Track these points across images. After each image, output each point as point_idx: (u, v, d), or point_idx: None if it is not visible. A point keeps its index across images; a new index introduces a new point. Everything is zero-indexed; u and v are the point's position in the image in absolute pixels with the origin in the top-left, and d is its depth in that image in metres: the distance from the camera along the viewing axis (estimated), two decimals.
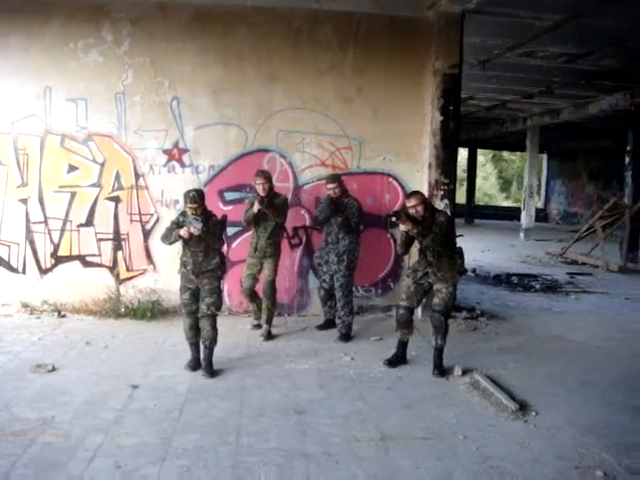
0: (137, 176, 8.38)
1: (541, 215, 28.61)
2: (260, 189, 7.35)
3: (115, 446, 4.52)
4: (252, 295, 7.84)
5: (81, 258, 8.44)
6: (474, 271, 12.58)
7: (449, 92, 8.36)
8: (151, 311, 8.17)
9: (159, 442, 4.64)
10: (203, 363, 6.30)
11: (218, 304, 6.38)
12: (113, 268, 8.47)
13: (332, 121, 8.49)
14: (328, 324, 8.00)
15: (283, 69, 8.40)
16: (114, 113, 8.27)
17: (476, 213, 27.50)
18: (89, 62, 8.18)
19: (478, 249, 16.63)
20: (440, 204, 8.29)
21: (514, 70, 13.02)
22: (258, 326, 7.87)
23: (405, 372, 6.50)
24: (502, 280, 12.11)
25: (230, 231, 8.17)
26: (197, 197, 6.16)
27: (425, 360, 6.70)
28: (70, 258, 8.44)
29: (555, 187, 29.79)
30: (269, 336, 7.60)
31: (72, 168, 8.33)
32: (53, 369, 6.12)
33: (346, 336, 7.63)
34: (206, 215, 6.29)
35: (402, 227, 6.21)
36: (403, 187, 8.60)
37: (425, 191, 8.20)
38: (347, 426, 5.05)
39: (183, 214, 6.32)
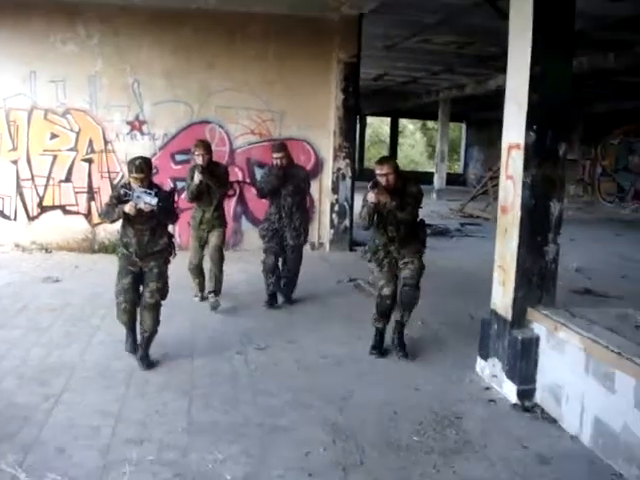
0: (106, 142, 10.95)
1: (460, 180, 31.79)
2: (200, 160, 7.32)
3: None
4: (201, 270, 7.91)
5: (62, 207, 10.99)
6: None
7: (349, 76, 11.15)
8: None
9: None
10: (140, 351, 5.70)
11: (165, 291, 5.78)
12: (88, 215, 11.02)
13: (258, 99, 11.16)
14: (273, 298, 7.90)
15: (220, 58, 11.01)
16: (87, 92, 10.81)
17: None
18: (67, 51, 10.67)
19: None
20: (342, 163, 11.09)
21: (416, 53, 15.81)
22: (204, 298, 7.92)
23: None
24: None
25: (180, 185, 10.70)
26: (144, 166, 5.57)
27: None
28: (53, 207, 10.98)
29: (473, 153, 32.99)
30: (217, 305, 7.57)
31: (54, 136, 10.86)
32: (57, 280, 8.72)
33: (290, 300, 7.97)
34: (155, 188, 5.69)
35: (374, 198, 5.70)
36: (314, 150, 11.36)
37: (331, 153, 10.98)
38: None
39: (125, 186, 5.67)
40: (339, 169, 11.23)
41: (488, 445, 4.39)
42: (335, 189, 11.40)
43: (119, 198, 5.60)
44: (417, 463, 4.11)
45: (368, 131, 36.95)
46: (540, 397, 5.02)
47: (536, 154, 5.00)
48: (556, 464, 4.20)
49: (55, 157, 10.86)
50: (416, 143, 43.92)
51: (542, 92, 5.01)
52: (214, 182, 7.39)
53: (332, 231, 11.51)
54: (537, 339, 5.05)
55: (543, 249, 5.09)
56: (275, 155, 7.62)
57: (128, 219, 5.60)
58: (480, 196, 20.39)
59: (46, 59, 10.63)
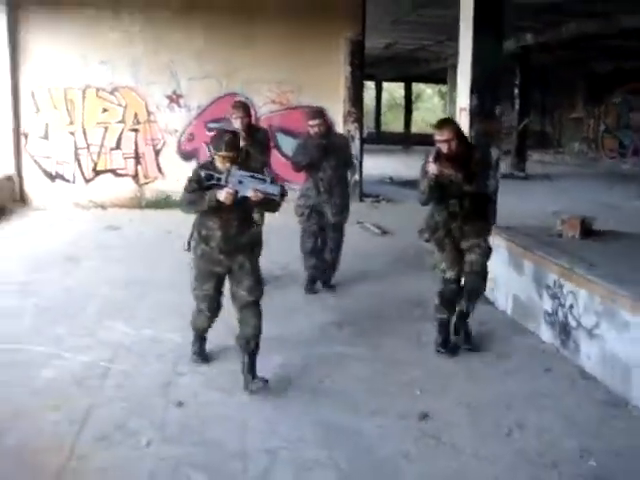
0: (149, 114, 13.02)
1: None
2: (238, 123, 6.71)
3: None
4: None
5: (113, 171, 13.11)
6: (391, 178, 17.50)
7: (355, 52, 13.09)
8: (163, 203, 12.85)
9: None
10: (246, 369, 4.84)
11: (262, 288, 4.98)
12: (135, 176, 13.14)
13: (279, 72, 13.09)
14: (313, 283, 7.40)
15: (243, 39, 12.93)
16: (131, 72, 12.84)
17: (413, 141, 32.34)
18: (114, 37, 12.69)
19: (405, 166, 21.42)
20: (351, 126, 13.06)
21: (419, 25, 17.64)
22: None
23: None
24: (407, 183, 16.94)
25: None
26: (235, 141, 4.82)
27: None
28: (105, 171, 13.11)
29: None
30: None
31: (104, 110, 12.95)
32: (117, 228, 10.85)
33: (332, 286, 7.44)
34: (267, 173, 4.93)
35: (436, 170, 5.13)
36: (328, 115, 13.29)
37: (341, 118, 12.95)
38: None
39: (208, 167, 4.83)
40: (349, 131, 13.13)
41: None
42: None
43: (201, 182, 4.74)
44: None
45: (384, 96, 38.71)
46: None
47: (478, 114, 6.98)
48: (490, 324, 6.28)
49: (106, 128, 12.97)
50: (434, 107, 45.58)
51: (480, 67, 6.98)
52: (256, 149, 6.70)
53: None
54: None
55: (486, 183, 7.08)
56: (312, 122, 6.91)
57: (212, 207, 4.73)
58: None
59: (96, 44, 12.68)
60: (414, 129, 34.15)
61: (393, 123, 39.50)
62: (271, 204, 4.84)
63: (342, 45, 13.16)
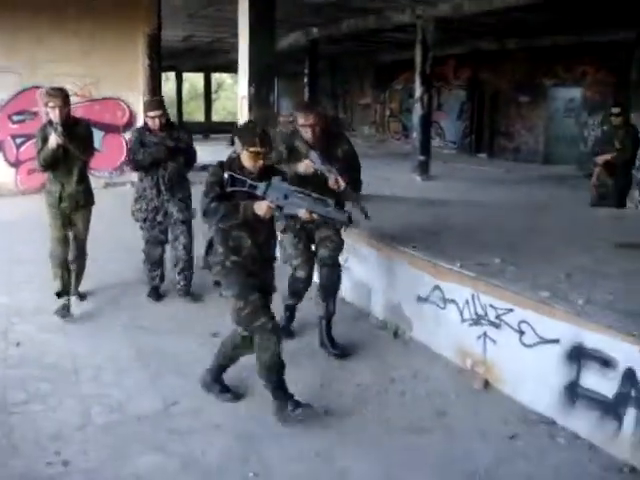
0: None
1: None
2: (55, 115, 5.82)
3: None
4: (66, 261, 6.34)
5: None
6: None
7: (152, 45, 14.22)
8: None
9: None
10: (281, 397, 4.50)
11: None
12: None
13: (81, 67, 13.96)
14: (158, 289, 6.92)
15: (47, 35, 13.67)
16: None
17: (214, 129, 33.66)
18: None
19: (205, 152, 22.74)
20: None
21: (214, 18, 18.95)
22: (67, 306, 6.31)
23: None
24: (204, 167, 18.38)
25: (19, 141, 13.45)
26: (268, 135, 4.33)
27: None
28: None
29: (283, 103, 36.67)
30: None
31: None
32: None
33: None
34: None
35: (302, 168, 5.13)
36: (128, 106, 14.37)
37: (141, 108, 14.02)
38: None
39: (231, 166, 4.32)
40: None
41: None
42: None
43: (223, 186, 4.23)
44: None
45: (186, 86, 39.76)
46: None
47: (255, 102, 8.48)
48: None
49: None
50: (235, 96, 46.99)
51: (256, 63, 8.47)
52: (75, 146, 5.95)
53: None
54: None
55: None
56: (152, 114, 6.30)
57: (248, 222, 4.28)
58: None
59: None
60: (216, 118, 35.66)
61: (196, 113, 40.55)
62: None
63: (140, 39, 14.24)
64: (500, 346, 5.00)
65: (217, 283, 4.60)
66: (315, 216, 4.24)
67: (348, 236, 6.49)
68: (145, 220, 6.61)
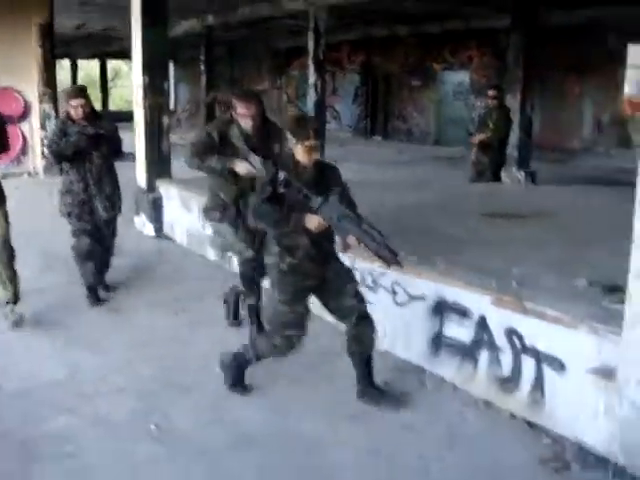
0: None
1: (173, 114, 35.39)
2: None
3: None
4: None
5: None
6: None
7: (45, 35, 14.24)
8: None
9: None
10: (366, 380, 4.60)
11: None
12: None
13: None
14: (96, 291, 6.56)
15: None
16: None
17: (112, 118, 33.38)
18: None
19: None
20: (47, 105, 14.23)
21: (106, 7, 18.92)
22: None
23: None
24: None
25: None
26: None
27: None
28: None
29: (181, 90, 36.66)
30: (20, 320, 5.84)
31: None
32: None
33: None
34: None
35: (242, 169, 5.09)
36: (23, 96, 14.34)
37: (37, 98, 14.10)
38: None
39: (285, 164, 4.24)
40: (44, 110, 14.28)
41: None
42: (43, 126, 14.39)
43: (274, 185, 4.13)
44: None
45: (82, 75, 39.21)
46: (165, 229, 9.02)
47: (150, 90, 8.80)
48: (170, 256, 8.21)
49: None
50: (132, 84, 46.53)
51: (149, 52, 8.78)
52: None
53: (43, 161, 14.52)
54: (160, 197, 9.02)
55: (160, 145, 8.97)
56: (74, 102, 6.03)
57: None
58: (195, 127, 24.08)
59: None
60: (113, 107, 35.38)
61: (93, 102, 40.04)
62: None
63: (32, 30, 14.23)
64: (377, 307, 5.56)
65: (273, 285, 4.48)
66: (358, 244, 4.09)
67: None
68: (70, 214, 6.31)
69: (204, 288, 6.92)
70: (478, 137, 10.33)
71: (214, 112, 22.87)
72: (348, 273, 4.52)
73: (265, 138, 5.24)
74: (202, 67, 22.67)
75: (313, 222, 4.07)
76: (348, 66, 25.18)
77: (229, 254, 5.87)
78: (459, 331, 4.83)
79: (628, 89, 16.85)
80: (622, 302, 3.63)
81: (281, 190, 4.08)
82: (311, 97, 15.38)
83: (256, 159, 5.03)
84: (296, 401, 4.69)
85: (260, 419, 4.44)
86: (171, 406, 4.60)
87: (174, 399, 4.70)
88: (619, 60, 17.05)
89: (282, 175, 4.07)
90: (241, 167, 5.09)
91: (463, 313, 4.78)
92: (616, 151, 16.29)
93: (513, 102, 11.91)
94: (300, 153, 4.15)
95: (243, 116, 5.10)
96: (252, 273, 5.49)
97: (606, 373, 3.70)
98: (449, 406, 4.64)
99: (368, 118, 24.39)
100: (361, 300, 4.47)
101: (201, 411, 4.55)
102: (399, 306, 5.34)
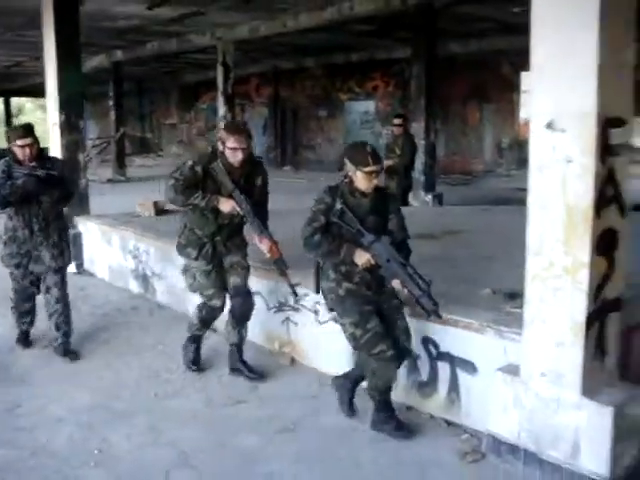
0: None
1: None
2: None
3: None
4: None
5: None
6: None
7: None
8: None
9: None
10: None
11: None
12: None
13: None
14: (28, 335, 6.29)
15: None
16: None
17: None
18: None
19: None
20: None
21: (13, 42, 18.73)
22: None
23: None
24: None
25: None
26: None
27: None
28: None
29: (90, 127, 36.37)
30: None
31: None
32: None
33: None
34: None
35: (226, 208, 4.97)
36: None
37: None
38: None
39: (342, 192, 4.33)
40: None
41: None
42: None
43: (327, 214, 4.31)
44: None
45: None
46: (86, 265, 9.10)
47: (66, 128, 8.94)
48: (92, 290, 8.30)
49: None
50: (36, 120, 45.90)
51: (65, 90, 8.93)
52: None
53: None
54: (80, 234, 9.11)
55: (77, 183, 9.05)
56: (20, 142, 5.45)
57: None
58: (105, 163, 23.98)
59: None
60: None
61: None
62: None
63: None
64: (301, 327, 5.87)
65: (332, 309, 4.64)
66: (404, 291, 4.19)
67: (161, 249, 7.18)
68: (17, 266, 5.82)
69: (130, 319, 7.12)
70: (385, 163, 10.80)
71: (124, 147, 22.89)
72: (399, 309, 4.53)
73: (249, 172, 5.16)
74: (111, 102, 22.65)
75: (362, 259, 4.19)
76: (257, 99, 25.67)
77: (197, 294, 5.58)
78: None
79: (523, 113, 17.94)
80: (522, 306, 4.05)
81: (334, 220, 4.21)
82: None
83: (241, 197, 4.96)
84: (231, 420, 4.94)
85: (195, 437, 4.66)
86: (110, 432, 4.75)
87: (113, 425, 4.85)
88: (514, 87, 18.15)
89: (339, 205, 4.17)
90: (226, 205, 5.00)
91: None
92: (516, 172, 17.22)
93: (418, 129, 12.57)
94: (360, 179, 4.22)
95: (233, 150, 4.91)
96: (212, 319, 5.49)
97: (512, 370, 4.10)
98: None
99: (278, 149, 24.87)
100: (408, 338, 4.49)
101: (140, 435, 4.72)
102: (321, 324, 5.62)
